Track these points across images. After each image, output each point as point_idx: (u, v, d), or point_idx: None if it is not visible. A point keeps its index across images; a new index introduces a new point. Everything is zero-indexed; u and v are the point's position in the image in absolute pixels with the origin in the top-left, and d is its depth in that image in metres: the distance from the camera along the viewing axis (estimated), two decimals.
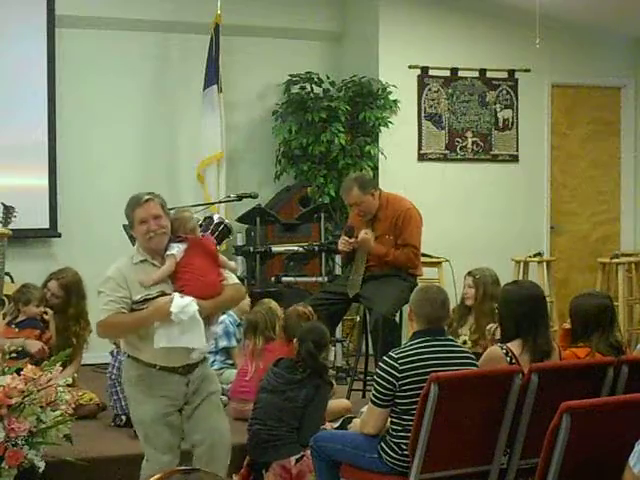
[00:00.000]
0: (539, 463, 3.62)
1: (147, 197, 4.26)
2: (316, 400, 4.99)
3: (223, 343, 6.37)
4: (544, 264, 8.20)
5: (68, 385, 4.77)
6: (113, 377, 5.68)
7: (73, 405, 4.73)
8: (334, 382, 5.64)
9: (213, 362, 6.10)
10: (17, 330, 5.70)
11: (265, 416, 4.93)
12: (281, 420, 4.90)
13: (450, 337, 4.56)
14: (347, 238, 6.27)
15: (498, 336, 4.84)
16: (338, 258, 7.19)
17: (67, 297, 5.97)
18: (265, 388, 5.03)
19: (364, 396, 6.26)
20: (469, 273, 5.81)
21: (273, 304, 6.05)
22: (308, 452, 4.74)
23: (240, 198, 6.84)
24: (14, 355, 4.81)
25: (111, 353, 5.82)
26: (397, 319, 6.36)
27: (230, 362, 6.42)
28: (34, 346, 5.61)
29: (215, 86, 7.93)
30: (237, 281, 4.52)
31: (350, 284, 6.24)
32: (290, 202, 8.22)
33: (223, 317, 6.16)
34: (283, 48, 8.50)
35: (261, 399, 5.02)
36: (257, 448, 4.92)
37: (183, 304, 4.11)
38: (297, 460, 4.86)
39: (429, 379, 4.01)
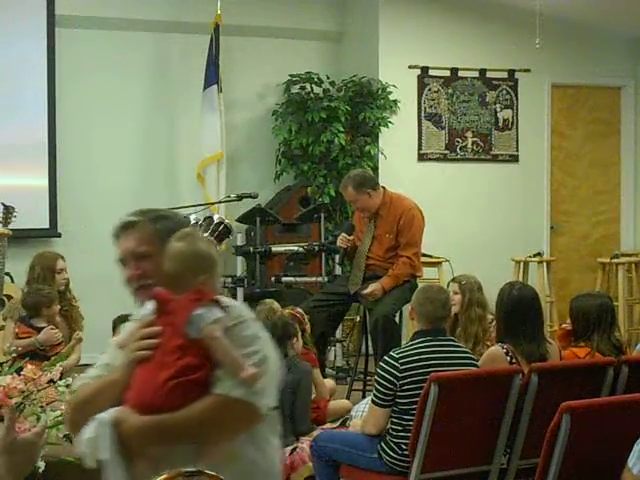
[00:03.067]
0: (539, 463, 3.62)
1: (127, 221, 2.57)
2: (303, 383, 5.04)
3: None
4: (544, 264, 8.20)
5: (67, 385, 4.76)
6: None
7: None
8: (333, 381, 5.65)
9: None
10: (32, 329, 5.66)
11: None
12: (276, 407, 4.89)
13: (451, 337, 4.57)
14: (346, 235, 6.35)
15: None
16: (338, 258, 7.19)
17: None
18: None
19: (364, 396, 6.26)
20: (453, 279, 5.70)
21: (275, 305, 6.01)
22: (302, 444, 4.76)
23: (240, 198, 6.83)
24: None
25: None
26: (397, 319, 6.37)
27: None
28: (47, 338, 5.61)
29: (215, 86, 7.92)
30: (241, 392, 2.34)
31: (351, 281, 6.34)
32: (290, 202, 8.22)
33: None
34: (283, 48, 8.50)
35: None
36: None
37: (91, 433, 2.42)
38: (292, 451, 4.86)
39: (429, 379, 4.01)
